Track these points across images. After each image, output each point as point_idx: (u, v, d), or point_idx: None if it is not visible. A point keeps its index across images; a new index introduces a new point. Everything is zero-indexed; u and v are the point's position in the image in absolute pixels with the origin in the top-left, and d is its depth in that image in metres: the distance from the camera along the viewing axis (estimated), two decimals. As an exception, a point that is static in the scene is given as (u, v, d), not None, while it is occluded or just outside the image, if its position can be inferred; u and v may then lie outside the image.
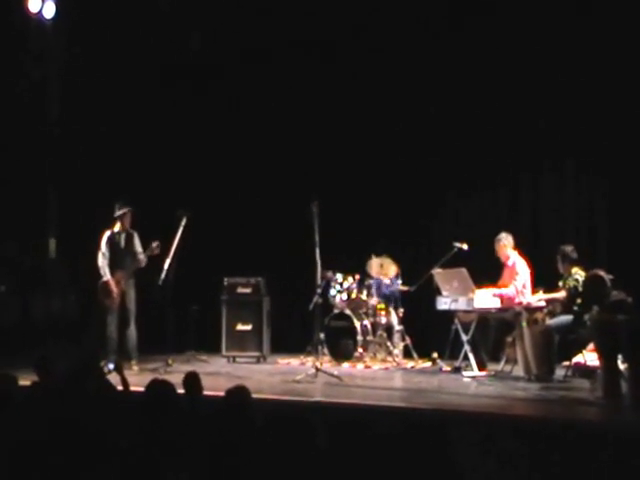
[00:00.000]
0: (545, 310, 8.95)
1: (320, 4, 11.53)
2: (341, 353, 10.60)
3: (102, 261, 10.04)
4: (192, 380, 5.80)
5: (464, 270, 9.47)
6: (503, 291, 9.39)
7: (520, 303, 9.20)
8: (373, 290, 10.91)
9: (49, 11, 12.21)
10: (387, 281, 10.88)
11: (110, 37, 12.29)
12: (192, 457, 4.99)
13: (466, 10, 10.93)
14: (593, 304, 8.15)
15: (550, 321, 8.82)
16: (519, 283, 9.36)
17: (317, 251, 9.30)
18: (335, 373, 9.20)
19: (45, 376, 6.10)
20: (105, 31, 12.25)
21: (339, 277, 10.97)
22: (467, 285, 9.39)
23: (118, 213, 10.10)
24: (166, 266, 9.94)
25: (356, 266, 10.99)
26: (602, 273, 8.12)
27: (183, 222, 10.11)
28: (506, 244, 9.56)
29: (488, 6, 10.78)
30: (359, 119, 11.64)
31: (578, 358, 8.74)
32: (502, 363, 9.46)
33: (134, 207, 10.20)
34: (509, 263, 9.56)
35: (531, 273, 9.50)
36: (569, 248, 9.01)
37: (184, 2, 12.08)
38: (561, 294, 8.96)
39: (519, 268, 9.45)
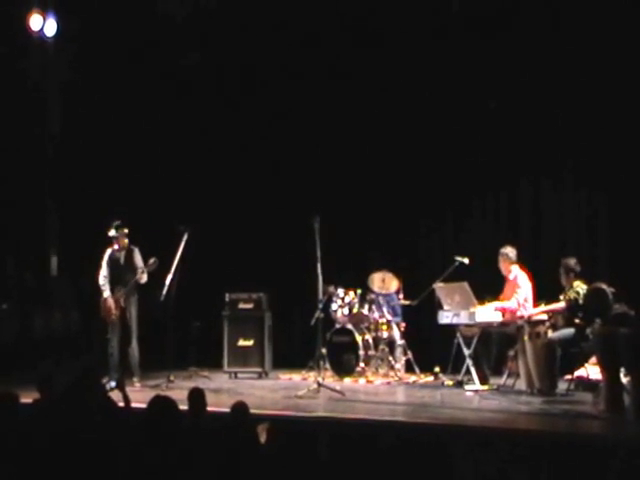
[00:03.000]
0: (547, 323, 8.93)
1: (324, 22, 11.61)
2: (343, 368, 10.58)
3: (102, 279, 10.06)
4: (197, 396, 5.79)
5: (466, 284, 9.47)
6: (505, 304, 9.39)
7: (522, 317, 9.19)
8: (375, 305, 10.91)
9: (50, 28, 12.29)
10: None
11: (111, 54, 12.36)
12: (195, 473, 4.97)
13: (463, 24, 11.00)
14: (595, 317, 8.14)
15: (552, 334, 8.80)
16: (520, 296, 9.35)
17: (319, 266, 9.30)
18: (337, 388, 9.19)
19: (47, 394, 6.09)
20: (106, 48, 12.31)
21: (341, 292, 10.97)
22: (469, 299, 9.39)
23: (109, 235, 10.09)
24: (167, 282, 9.93)
25: (358, 281, 10.99)
26: (604, 286, 8.12)
27: (184, 238, 10.11)
28: (507, 258, 9.55)
29: (487, 19, 10.85)
30: (359, 135, 11.68)
31: (580, 372, 8.73)
32: (504, 377, 9.44)
33: (136, 222, 10.20)
34: (510, 277, 9.55)
35: (533, 286, 9.50)
36: (572, 261, 8.99)
37: (186, 17, 12.13)
38: (560, 304, 8.93)
39: (520, 281, 9.44)
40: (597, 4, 10.14)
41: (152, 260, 9.90)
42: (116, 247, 10.13)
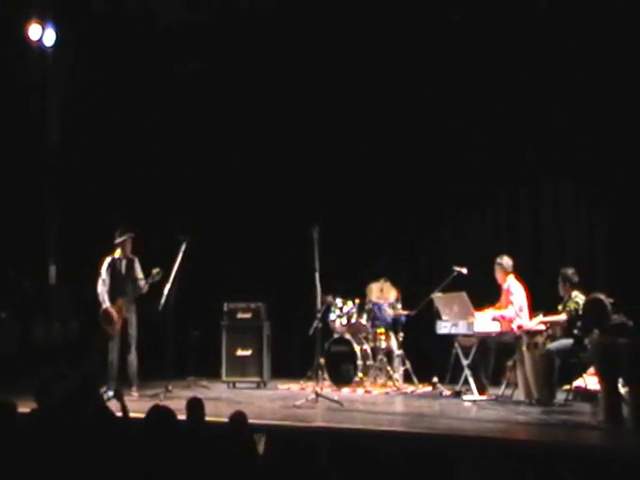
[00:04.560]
0: (545, 334, 8.94)
1: (323, 33, 11.65)
2: (341, 378, 10.57)
3: (101, 288, 10.02)
4: (195, 405, 5.79)
5: (464, 294, 9.48)
6: (503, 312, 9.43)
7: (520, 327, 9.21)
8: (373, 315, 10.91)
9: (49, 39, 12.32)
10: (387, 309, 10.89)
11: (110, 63, 12.38)
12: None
13: (459, 33, 11.03)
14: (593, 328, 8.14)
15: (550, 345, 8.80)
16: (516, 305, 9.40)
17: (317, 276, 9.31)
18: (335, 398, 9.16)
19: (45, 403, 6.08)
20: (105, 57, 12.34)
21: (339, 302, 10.96)
22: (467, 309, 9.40)
23: (118, 240, 10.10)
24: (166, 291, 9.92)
25: (356, 290, 10.99)
26: (602, 296, 8.13)
27: (183, 247, 10.11)
28: (502, 268, 9.61)
29: (484, 28, 10.88)
30: (357, 145, 11.69)
31: (579, 382, 8.73)
32: (503, 387, 9.43)
33: (134, 232, 10.20)
34: (505, 286, 9.61)
35: (531, 296, 9.52)
36: (570, 271, 9.02)
37: (185, 24, 12.15)
38: (562, 317, 8.94)
39: (514, 290, 9.52)
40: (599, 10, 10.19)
41: (156, 270, 9.89)
42: (117, 255, 10.12)
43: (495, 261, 9.68)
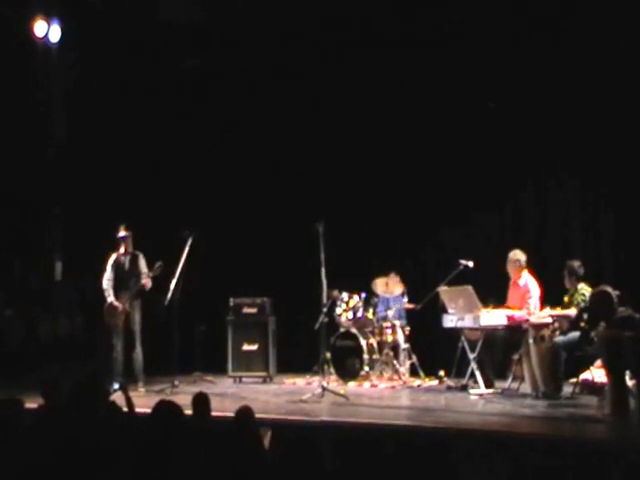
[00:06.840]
0: (552, 327, 8.91)
1: (327, 25, 11.63)
2: (347, 372, 10.57)
3: (106, 283, 10.09)
4: (201, 400, 5.80)
5: (470, 288, 9.45)
6: (516, 314, 9.29)
7: (527, 320, 9.17)
8: (379, 308, 10.92)
9: (55, 35, 12.34)
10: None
11: (115, 59, 12.38)
12: (200, 478, 4.97)
13: (460, 34, 11.01)
14: (600, 320, 8.13)
15: (557, 338, 8.78)
16: (532, 305, 9.29)
17: (323, 270, 9.30)
18: (342, 392, 9.18)
19: (51, 399, 6.09)
20: (110, 54, 12.34)
21: (345, 296, 10.96)
22: (473, 303, 9.37)
23: (118, 236, 10.14)
24: (172, 287, 9.94)
25: (362, 285, 10.98)
26: (609, 289, 8.11)
27: (189, 242, 10.12)
28: (517, 263, 9.51)
29: (485, 28, 10.86)
30: (364, 139, 11.67)
31: (585, 375, 8.71)
32: (509, 380, 9.42)
33: (140, 228, 10.26)
34: (520, 282, 9.50)
35: (540, 292, 9.46)
36: (576, 263, 8.98)
37: (189, 23, 12.14)
38: (572, 311, 8.87)
39: (531, 288, 9.39)
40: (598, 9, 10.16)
41: (158, 264, 9.93)
42: (122, 251, 10.16)
43: (508, 257, 9.58)
